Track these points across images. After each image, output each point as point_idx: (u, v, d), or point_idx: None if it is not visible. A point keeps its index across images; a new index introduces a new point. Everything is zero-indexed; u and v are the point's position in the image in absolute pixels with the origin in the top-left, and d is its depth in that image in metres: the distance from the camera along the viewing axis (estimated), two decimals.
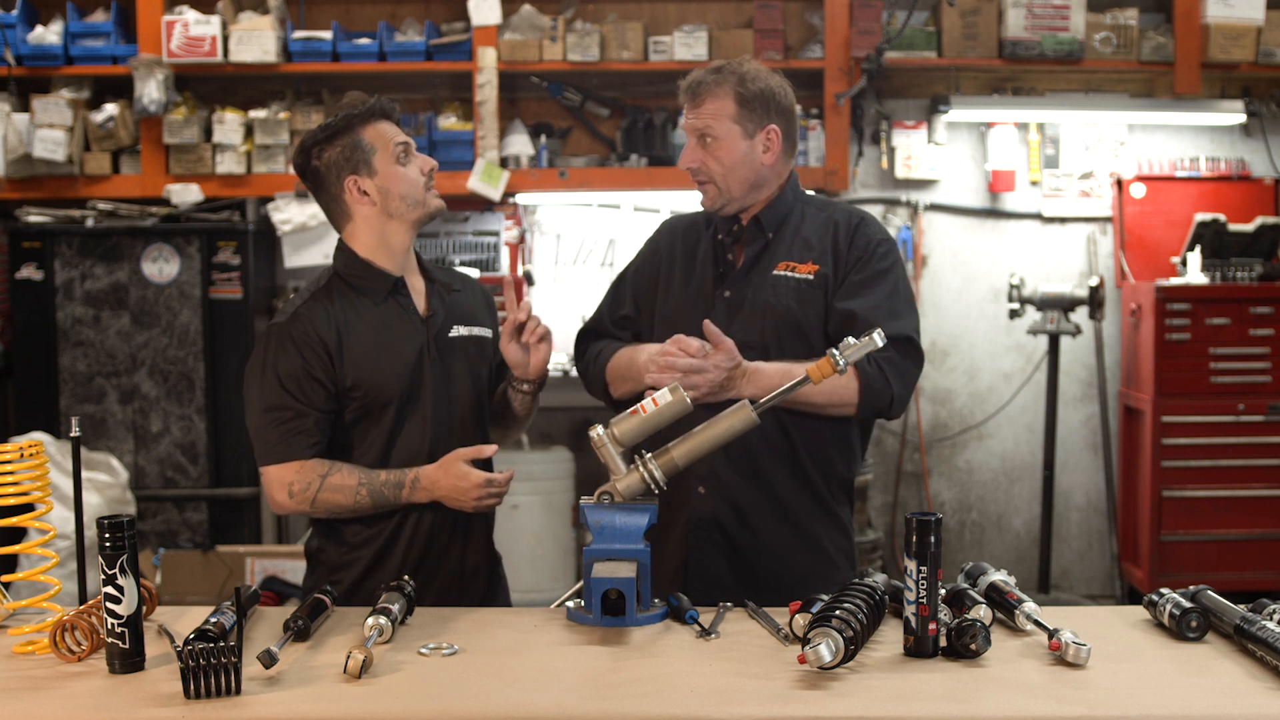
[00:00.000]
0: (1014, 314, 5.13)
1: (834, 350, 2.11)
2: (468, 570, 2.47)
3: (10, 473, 2.03)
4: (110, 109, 4.98)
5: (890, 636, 1.98)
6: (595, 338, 2.64)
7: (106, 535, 1.84)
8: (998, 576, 2.11)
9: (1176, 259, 5.18)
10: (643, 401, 2.18)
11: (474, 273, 4.29)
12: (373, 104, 2.41)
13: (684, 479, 2.37)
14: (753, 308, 2.45)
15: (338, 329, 2.36)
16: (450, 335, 2.47)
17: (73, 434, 2.07)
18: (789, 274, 2.45)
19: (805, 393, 2.25)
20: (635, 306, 2.61)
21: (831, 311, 2.43)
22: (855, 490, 2.66)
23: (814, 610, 1.92)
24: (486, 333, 2.55)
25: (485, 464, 2.43)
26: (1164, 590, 2.06)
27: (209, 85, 5.24)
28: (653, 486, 2.15)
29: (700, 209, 2.60)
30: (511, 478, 2.38)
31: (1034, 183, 5.48)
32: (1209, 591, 2.04)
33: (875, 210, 5.41)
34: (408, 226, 2.42)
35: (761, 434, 2.30)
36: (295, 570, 4.63)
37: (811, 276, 2.44)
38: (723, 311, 2.47)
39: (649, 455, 2.16)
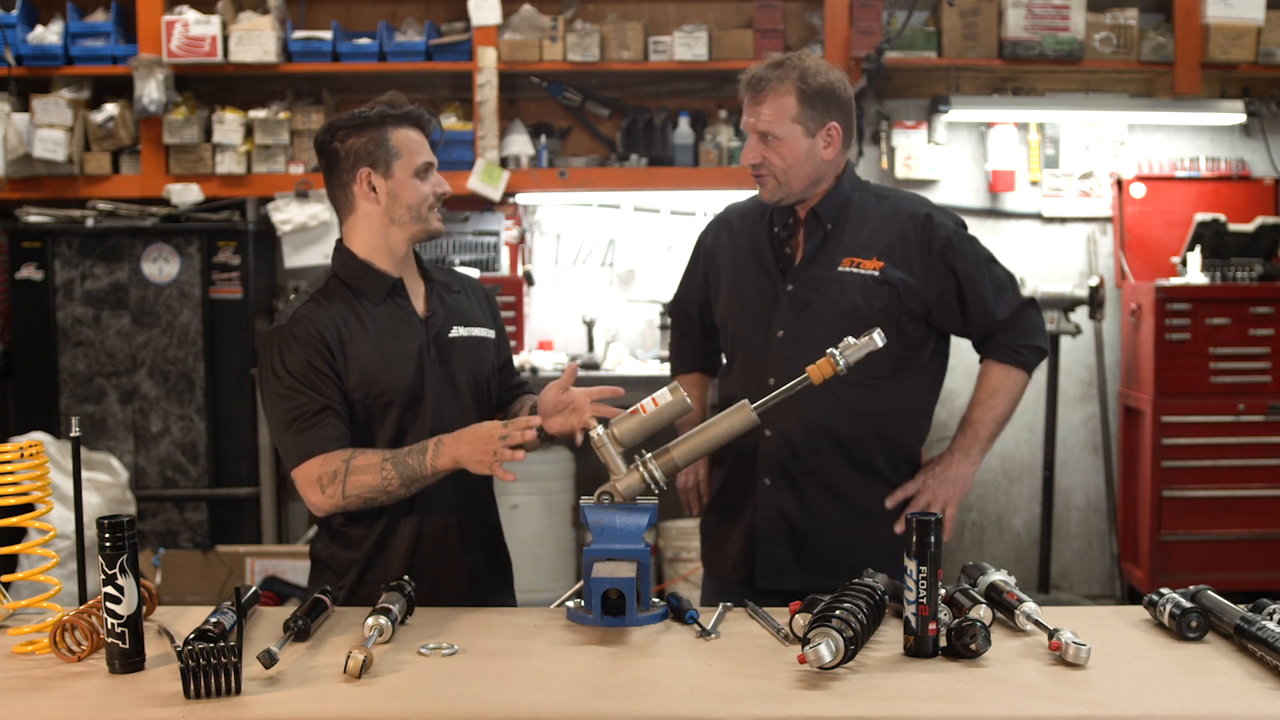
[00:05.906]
0: None
1: (833, 350, 2.13)
2: (467, 575, 2.44)
3: (10, 473, 2.03)
4: (110, 109, 4.98)
5: (890, 636, 1.98)
6: (680, 322, 2.80)
7: (106, 535, 1.84)
8: (998, 576, 2.12)
9: (1176, 259, 5.17)
10: (643, 401, 2.19)
11: (474, 272, 4.28)
12: (411, 110, 2.42)
13: (750, 471, 2.50)
14: (819, 305, 2.48)
15: (338, 329, 2.34)
16: (450, 336, 2.44)
17: (73, 434, 2.07)
18: (854, 270, 2.47)
19: (1001, 414, 2.52)
20: (708, 294, 2.69)
21: (968, 318, 2.53)
22: None
23: (814, 610, 1.93)
24: (487, 333, 2.53)
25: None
26: (1164, 590, 2.06)
27: (209, 85, 5.23)
28: (653, 486, 2.16)
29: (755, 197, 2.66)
30: (534, 424, 2.22)
31: (1034, 183, 5.47)
32: (1209, 591, 2.04)
33: None
34: (406, 236, 2.41)
35: (826, 432, 2.47)
36: (295, 570, 4.63)
37: (877, 273, 2.47)
38: (787, 307, 2.50)
39: (649, 455, 2.17)
